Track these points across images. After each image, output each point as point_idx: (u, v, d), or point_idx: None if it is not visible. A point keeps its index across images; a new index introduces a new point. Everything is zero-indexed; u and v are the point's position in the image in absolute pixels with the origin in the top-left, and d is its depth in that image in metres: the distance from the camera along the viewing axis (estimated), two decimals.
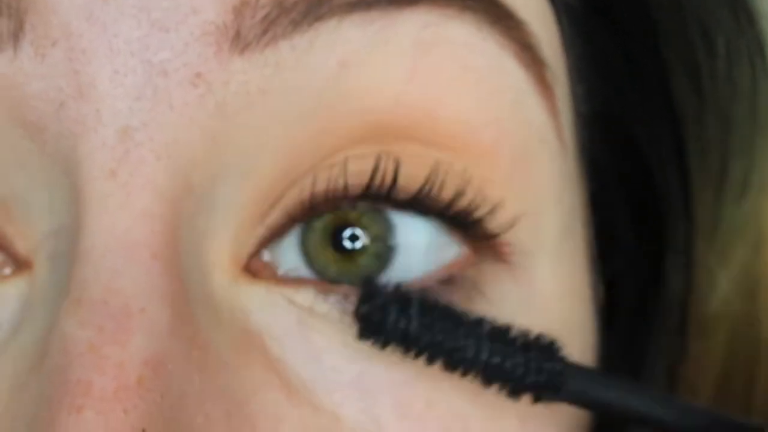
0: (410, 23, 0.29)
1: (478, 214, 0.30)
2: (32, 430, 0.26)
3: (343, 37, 0.28)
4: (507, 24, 0.30)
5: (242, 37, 0.27)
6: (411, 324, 0.28)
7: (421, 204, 0.29)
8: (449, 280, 0.30)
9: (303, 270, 0.29)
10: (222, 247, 0.28)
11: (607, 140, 0.35)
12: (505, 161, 0.30)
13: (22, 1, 0.27)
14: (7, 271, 0.28)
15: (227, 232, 0.28)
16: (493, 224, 0.30)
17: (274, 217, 0.29)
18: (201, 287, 0.28)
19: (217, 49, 0.27)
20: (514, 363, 0.28)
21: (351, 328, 0.28)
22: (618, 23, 0.34)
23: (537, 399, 0.28)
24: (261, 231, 0.29)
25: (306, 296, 0.29)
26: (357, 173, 0.29)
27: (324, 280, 0.29)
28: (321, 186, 0.29)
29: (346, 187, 0.29)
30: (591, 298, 0.33)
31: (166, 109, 0.27)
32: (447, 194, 0.29)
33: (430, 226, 0.30)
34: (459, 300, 0.29)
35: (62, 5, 0.27)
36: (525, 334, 0.28)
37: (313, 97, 0.28)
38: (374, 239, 0.30)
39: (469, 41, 0.29)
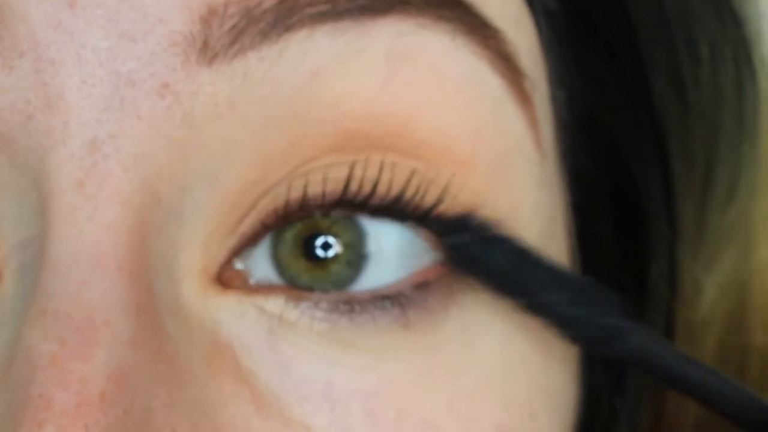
0: (383, 33, 0.28)
1: (456, 224, 0.29)
2: None
3: (314, 48, 0.28)
4: (483, 33, 0.29)
5: (210, 47, 0.27)
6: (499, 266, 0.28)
7: (395, 211, 0.29)
8: (424, 285, 0.29)
9: (275, 279, 0.29)
10: (192, 257, 0.28)
11: (590, 146, 0.34)
12: (482, 171, 0.29)
13: None
14: None
15: (196, 243, 0.28)
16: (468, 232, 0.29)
17: (246, 225, 0.29)
18: (170, 299, 0.27)
19: (185, 60, 0.27)
20: (580, 309, 0.28)
21: (320, 336, 0.28)
22: (599, 28, 0.34)
23: (593, 350, 0.28)
24: (233, 241, 0.29)
25: (276, 304, 0.29)
26: (333, 180, 0.28)
27: (295, 287, 0.29)
28: (295, 194, 0.28)
29: (321, 194, 0.28)
30: None
31: (134, 120, 0.27)
32: (423, 202, 0.29)
33: (403, 234, 0.29)
34: (433, 306, 0.29)
35: (30, 15, 0.27)
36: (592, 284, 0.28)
37: (284, 106, 0.28)
38: (346, 247, 0.29)
39: (443, 51, 0.29)
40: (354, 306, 0.29)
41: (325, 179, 0.28)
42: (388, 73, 0.28)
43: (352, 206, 0.29)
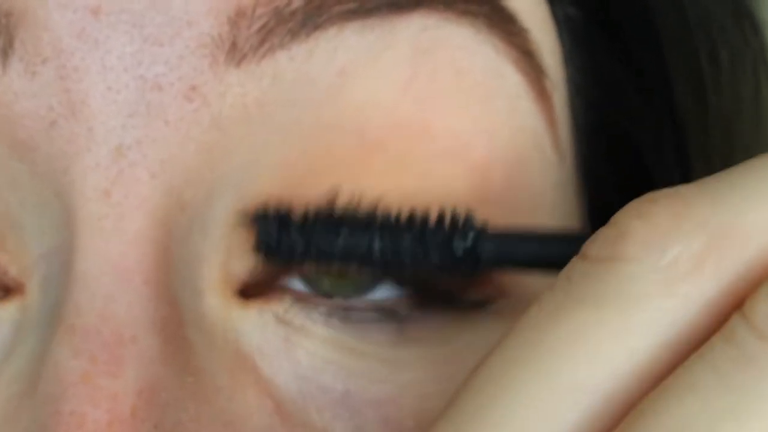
0: (410, 28, 0.28)
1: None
2: None
3: (343, 45, 0.28)
4: (507, 29, 0.29)
5: (238, 48, 0.27)
6: (295, 241, 0.28)
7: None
8: (425, 303, 0.29)
9: (296, 285, 0.29)
10: (214, 269, 0.28)
11: (609, 154, 0.34)
12: (498, 176, 0.29)
13: (11, 17, 0.26)
14: None
15: (220, 254, 0.28)
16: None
17: None
18: (194, 311, 0.27)
19: (213, 61, 0.27)
20: (411, 245, 0.28)
21: (336, 344, 0.28)
22: (620, 35, 0.34)
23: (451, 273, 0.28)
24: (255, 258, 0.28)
25: (294, 311, 0.28)
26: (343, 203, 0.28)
27: (317, 294, 0.29)
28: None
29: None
30: None
31: (161, 125, 0.27)
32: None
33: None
34: (436, 323, 0.29)
35: (53, 22, 0.26)
36: (425, 217, 0.28)
37: (311, 111, 0.28)
38: None
39: (465, 44, 0.29)
40: (351, 315, 0.29)
41: (336, 202, 0.28)
42: (413, 69, 0.28)
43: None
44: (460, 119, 0.29)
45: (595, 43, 0.33)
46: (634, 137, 0.35)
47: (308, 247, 0.28)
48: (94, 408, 0.25)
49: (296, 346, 0.28)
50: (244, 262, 0.28)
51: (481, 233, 0.28)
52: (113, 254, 0.26)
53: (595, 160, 0.34)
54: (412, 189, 0.29)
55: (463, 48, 0.29)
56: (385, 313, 0.29)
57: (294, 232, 0.28)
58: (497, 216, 0.29)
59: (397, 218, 0.28)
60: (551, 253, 0.28)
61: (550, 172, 0.31)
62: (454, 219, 0.28)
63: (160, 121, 0.27)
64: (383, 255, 0.28)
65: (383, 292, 0.29)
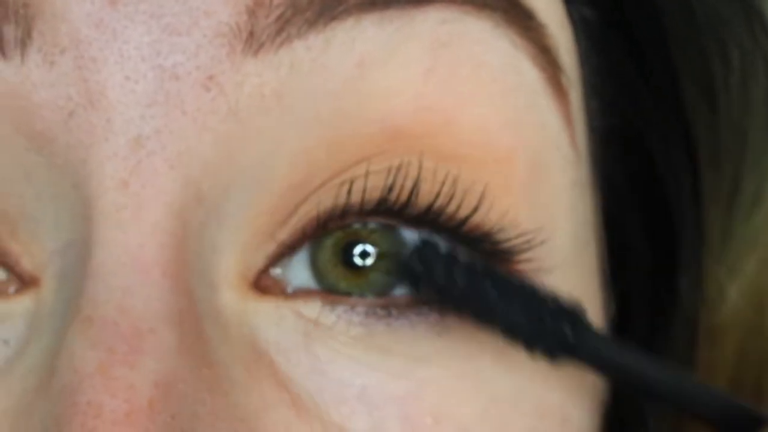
0: (428, 21, 0.28)
1: (491, 232, 0.29)
2: None
3: (361, 37, 0.28)
4: (525, 25, 0.30)
5: (256, 37, 0.27)
6: (454, 289, 0.28)
7: (433, 221, 0.29)
8: None
9: (313, 285, 0.29)
10: (230, 263, 0.28)
11: (622, 155, 0.34)
12: (521, 169, 0.30)
13: (29, 8, 0.26)
14: (12, 289, 0.28)
15: (236, 247, 0.28)
16: (505, 238, 0.30)
17: (286, 233, 0.28)
18: (210, 304, 0.27)
19: (230, 51, 0.27)
20: (532, 320, 0.28)
21: (356, 341, 0.28)
22: (633, 36, 0.34)
23: (551, 356, 0.28)
24: (271, 247, 0.28)
25: (313, 308, 0.29)
26: (371, 189, 0.28)
27: (333, 293, 0.29)
28: (334, 202, 0.28)
29: (360, 202, 0.28)
30: (602, 310, 0.33)
31: (179, 115, 0.27)
32: (461, 212, 0.29)
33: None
34: None
35: (71, 12, 0.26)
36: (554, 297, 0.29)
37: (330, 101, 0.28)
38: (385, 255, 0.29)
39: (484, 38, 0.29)
40: (391, 311, 0.29)
41: (363, 188, 0.28)
42: (432, 61, 0.28)
43: (389, 215, 0.29)
44: (483, 110, 0.29)
45: (610, 44, 0.33)
46: (645, 139, 0.35)
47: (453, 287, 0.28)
48: (112, 398, 0.25)
49: (315, 341, 0.28)
50: (260, 256, 0.28)
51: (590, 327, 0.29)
52: (132, 245, 0.26)
53: (608, 161, 0.34)
54: (440, 177, 0.29)
55: (481, 42, 0.29)
56: (427, 303, 0.29)
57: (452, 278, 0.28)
58: (519, 208, 0.29)
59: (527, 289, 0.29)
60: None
61: (568, 170, 0.31)
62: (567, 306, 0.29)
63: (178, 111, 0.27)
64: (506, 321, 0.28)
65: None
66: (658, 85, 0.35)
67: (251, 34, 0.27)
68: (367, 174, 0.28)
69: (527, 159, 0.30)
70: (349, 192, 0.28)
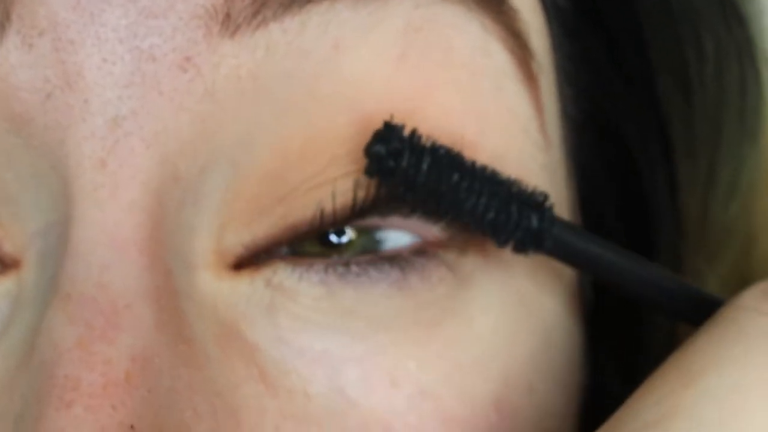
0: (402, 4, 0.29)
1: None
2: (20, 425, 0.26)
3: (336, 20, 0.28)
4: (497, 9, 0.30)
5: (232, 19, 0.27)
6: (419, 175, 0.28)
7: (401, 205, 0.29)
8: (421, 250, 0.30)
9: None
10: (207, 243, 0.28)
11: (597, 142, 0.35)
12: (486, 155, 0.30)
13: None
14: None
15: (213, 228, 0.28)
16: None
17: (262, 231, 0.28)
18: (186, 282, 0.28)
19: (207, 32, 0.27)
20: (501, 213, 0.28)
21: (318, 302, 0.28)
22: (607, 25, 0.34)
23: (521, 250, 0.29)
24: (247, 237, 0.28)
25: (279, 273, 0.29)
26: (341, 192, 0.29)
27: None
28: (308, 213, 0.28)
29: (333, 213, 0.29)
30: (576, 295, 0.33)
31: (156, 96, 0.27)
32: None
33: (413, 225, 0.29)
34: (432, 273, 0.29)
35: None
36: (519, 187, 0.29)
37: (305, 83, 0.28)
38: (360, 232, 0.29)
39: (455, 23, 0.29)
40: (351, 267, 0.29)
41: (334, 192, 0.28)
42: (405, 46, 0.29)
43: (362, 213, 0.29)
44: (449, 97, 0.29)
45: (583, 32, 0.34)
46: (620, 128, 0.35)
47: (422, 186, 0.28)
48: (89, 372, 0.25)
49: (279, 309, 0.28)
50: (237, 236, 0.28)
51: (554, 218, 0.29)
52: (108, 224, 0.27)
53: (583, 148, 0.34)
54: None
55: (453, 26, 0.29)
56: (388, 260, 0.29)
57: (417, 167, 0.28)
58: None
59: (492, 177, 0.29)
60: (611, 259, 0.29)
61: (536, 154, 0.31)
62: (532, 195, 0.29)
63: (155, 92, 0.27)
64: (473, 210, 0.28)
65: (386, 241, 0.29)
66: (632, 73, 0.35)
67: (227, 15, 0.27)
68: (332, 179, 0.28)
69: (493, 144, 0.30)
70: (320, 201, 0.28)
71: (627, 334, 0.37)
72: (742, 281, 0.37)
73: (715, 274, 0.37)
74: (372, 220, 0.29)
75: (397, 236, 0.30)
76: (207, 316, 0.28)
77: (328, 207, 0.28)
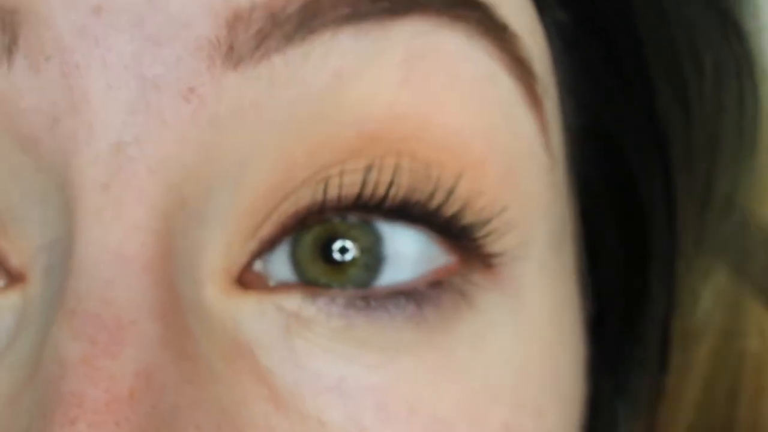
0: (403, 32, 0.29)
1: (466, 222, 0.30)
2: None
3: (338, 49, 0.28)
4: (499, 36, 0.30)
5: (236, 51, 0.27)
6: None
7: (409, 213, 0.30)
8: (438, 283, 0.30)
9: (293, 280, 0.30)
10: (214, 259, 0.29)
11: (597, 155, 0.35)
12: (494, 172, 0.30)
13: (15, 15, 0.27)
14: (1, 283, 0.29)
15: (219, 245, 0.29)
16: (480, 234, 0.30)
17: (267, 229, 0.29)
18: (192, 299, 0.28)
19: (210, 64, 0.27)
20: None
21: (335, 332, 0.29)
22: (607, 40, 0.35)
23: None
24: (253, 244, 0.29)
25: (294, 301, 0.29)
26: (348, 184, 0.29)
27: (314, 286, 0.30)
28: (314, 197, 0.29)
29: (338, 198, 0.29)
30: (580, 310, 0.34)
31: (159, 124, 0.27)
32: (435, 202, 0.30)
33: (418, 237, 0.30)
34: (447, 304, 0.30)
35: (56, 20, 0.27)
36: None
37: (308, 107, 0.28)
38: (363, 251, 0.30)
39: (459, 50, 0.30)
40: (370, 302, 0.29)
41: (341, 183, 0.29)
42: (407, 72, 0.29)
43: (366, 209, 0.30)
44: (457, 117, 0.30)
45: (582, 44, 0.34)
46: (619, 138, 0.36)
47: None
48: (94, 388, 0.25)
49: (295, 335, 0.29)
50: (243, 252, 0.29)
51: None
52: (113, 242, 0.27)
53: (584, 162, 0.35)
54: (416, 174, 0.29)
55: (456, 53, 0.30)
56: (405, 295, 0.29)
57: None
58: (494, 207, 0.30)
59: None
60: None
61: (542, 174, 0.32)
62: None
63: (159, 121, 0.27)
64: None
65: (387, 281, 0.30)
66: (632, 89, 0.35)
67: (231, 48, 0.27)
68: (342, 173, 0.29)
69: (501, 165, 0.30)
70: (326, 189, 0.29)
71: (621, 344, 0.38)
72: (736, 298, 0.37)
73: (710, 290, 0.37)
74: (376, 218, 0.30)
75: (401, 243, 0.30)
76: (214, 333, 0.28)
77: (333, 191, 0.29)
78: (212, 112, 0.27)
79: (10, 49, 0.27)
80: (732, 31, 0.37)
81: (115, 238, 0.27)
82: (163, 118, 0.27)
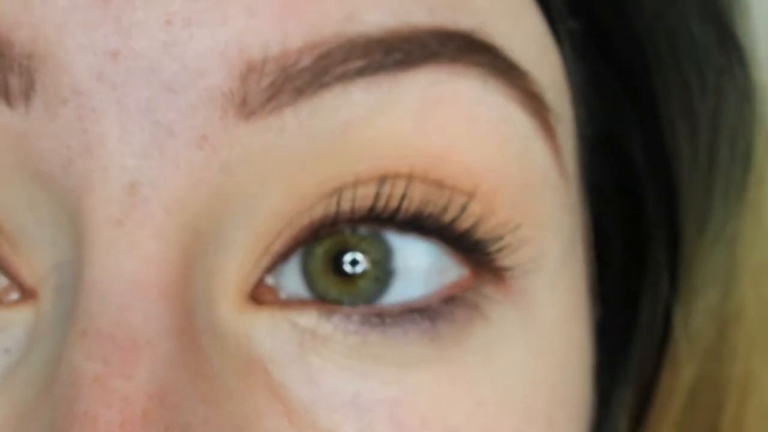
0: (416, 82, 0.29)
1: (478, 237, 0.31)
2: None
3: (349, 102, 0.29)
4: (511, 74, 0.31)
5: (248, 104, 0.28)
6: None
7: (421, 225, 0.30)
8: (451, 298, 0.31)
9: (305, 294, 0.30)
10: (228, 279, 0.29)
11: (606, 159, 0.36)
12: (507, 198, 0.31)
13: (32, 60, 0.28)
14: (14, 296, 0.29)
15: (234, 267, 0.29)
16: (493, 248, 0.31)
17: (279, 244, 0.30)
18: (208, 319, 0.29)
19: (223, 114, 0.28)
20: None
21: (351, 349, 0.30)
22: (615, 48, 0.35)
23: None
24: (266, 260, 0.30)
25: (309, 319, 0.30)
26: (361, 197, 0.30)
27: (325, 302, 0.30)
28: (325, 210, 0.30)
29: (351, 210, 0.30)
30: (589, 318, 0.35)
31: (173, 168, 0.28)
32: (448, 216, 0.30)
33: (430, 249, 0.31)
34: (460, 318, 0.31)
35: (73, 65, 0.27)
36: None
37: (318, 151, 0.29)
38: (374, 263, 0.31)
39: (475, 95, 0.30)
40: (385, 319, 0.30)
41: (354, 196, 0.30)
42: (421, 120, 0.30)
43: (379, 221, 0.30)
44: (471, 156, 0.30)
45: (594, 53, 0.34)
46: (629, 148, 0.36)
47: None
48: (107, 409, 0.26)
49: (309, 351, 0.30)
50: (258, 265, 0.30)
51: None
52: (126, 269, 0.27)
53: (594, 167, 0.35)
54: (429, 193, 0.30)
55: (472, 98, 0.30)
56: (419, 312, 0.30)
57: None
58: (507, 226, 0.31)
59: None
60: None
61: (556, 196, 0.32)
62: None
63: (172, 165, 0.28)
64: None
65: (398, 294, 0.31)
66: (640, 101, 0.36)
67: (243, 100, 0.28)
68: (356, 185, 0.29)
69: (514, 191, 0.31)
70: (339, 201, 0.30)
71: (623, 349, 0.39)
72: (722, 322, 0.38)
73: (699, 312, 0.38)
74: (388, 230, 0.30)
75: (413, 256, 0.31)
76: (228, 350, 0.29)
77: (347, 204, 0.30)
78: (224, 158, 0.28)
79: (28, 93, 0.28)
80: (734, 52, 0.37)
81: (129, 267, 0.27)
82: (177, 163, 0.28)
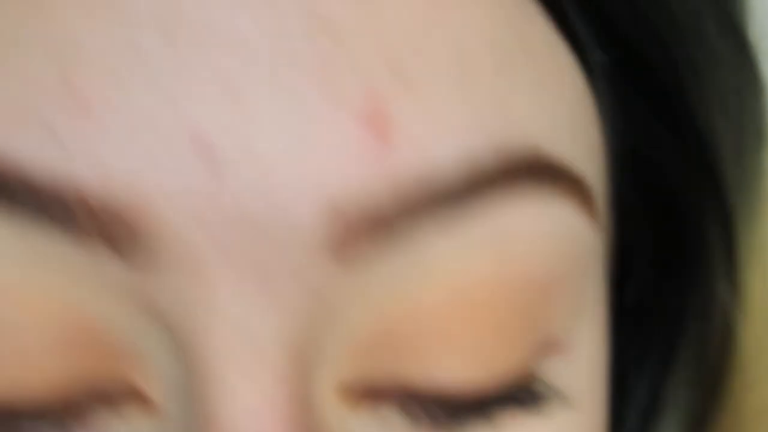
0: (489, 217, 0.30)
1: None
2: None
3: (428, 245, 0.29)
4: (569, 182, 0.31)
5: (336, 249, 0.28)
6: None
7: None
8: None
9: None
10: (329, 387, 0.30)
11: (638, 183, 0.36)
12: (558, 297, 0.32)
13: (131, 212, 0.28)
14: (138, 412, 0.30)
15: (336, 381, 0.30)
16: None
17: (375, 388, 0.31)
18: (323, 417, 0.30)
19: (317, 261, 0.28)
20: None
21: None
22: (643, 72, 0.35)
23: None
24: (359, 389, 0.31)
25: (397, 420, 0.31)
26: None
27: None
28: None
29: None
30: (608, 340, 0.35)
31: (278, 310, 0.29)
32: None
33: None
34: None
35: (189, 235, 0.28)
36: None
37: (402, 285, 0.30)
38: None
39: (538, 212, 0.30)
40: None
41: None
42: (500, 254, 0.30)
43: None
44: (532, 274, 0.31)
45: (622, 78, 0.34)
46: (660, 165, 0.36)
47: None
48: None
49: None
50: (355, 373, 0.30)
51: None
52: (240, 401, 0.28)
53: (623, 186, 0.35)
54: None
55: (535, 216, 0.30)
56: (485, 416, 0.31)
57: None
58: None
59: None
60: None
61: (591, 255, 0.33)
62: None
63: (276, 306, 0.29)
64: None
65: None
66: (675, 120, 0.35)
67: (332, 247, 0.28)
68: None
69: (565, 285, 0.32)
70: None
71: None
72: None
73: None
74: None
75: None
76: None
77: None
78: (315, 290, 0.29)
79: (134, 249, 0.28)
80: (746, 55, 0.37)
81: (243, 401, 0.28)
82: (279, 304, 0.29)
